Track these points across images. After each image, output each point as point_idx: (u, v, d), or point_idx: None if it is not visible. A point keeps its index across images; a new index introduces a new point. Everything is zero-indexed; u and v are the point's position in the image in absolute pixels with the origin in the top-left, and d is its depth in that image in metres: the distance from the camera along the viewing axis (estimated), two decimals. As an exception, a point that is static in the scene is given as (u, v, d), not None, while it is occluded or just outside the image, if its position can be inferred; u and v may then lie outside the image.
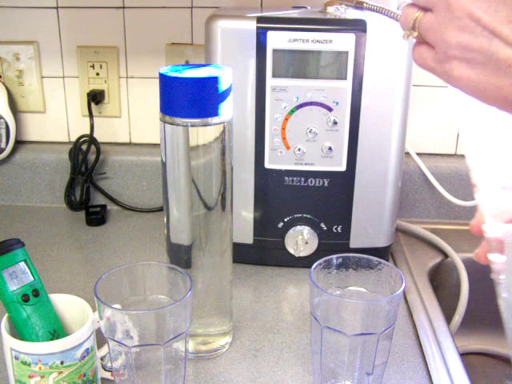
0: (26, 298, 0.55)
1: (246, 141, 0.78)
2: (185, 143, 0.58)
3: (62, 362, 0.52)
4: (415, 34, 0.43)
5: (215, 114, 0.57)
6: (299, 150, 0.77)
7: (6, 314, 0.55)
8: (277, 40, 0.73)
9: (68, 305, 0.58)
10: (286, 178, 0.79)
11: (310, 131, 0.76)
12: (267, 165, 0.79)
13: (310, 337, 0.59)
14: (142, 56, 1.01)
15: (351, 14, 0.78)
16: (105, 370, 0.59)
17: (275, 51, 0.74)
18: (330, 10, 0.80)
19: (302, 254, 0.82)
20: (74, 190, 1.03)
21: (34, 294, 0.55)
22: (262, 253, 0.84)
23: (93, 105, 1.01)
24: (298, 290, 0.80)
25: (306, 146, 0.77)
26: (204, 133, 0.58)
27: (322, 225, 0.81)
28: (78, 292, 0.69)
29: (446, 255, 0.91)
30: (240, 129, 0.77)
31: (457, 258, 0.89)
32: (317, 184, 0.79)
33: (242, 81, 0.75)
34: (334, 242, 0.82)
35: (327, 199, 0.80)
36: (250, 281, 0.82)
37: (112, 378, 0.58)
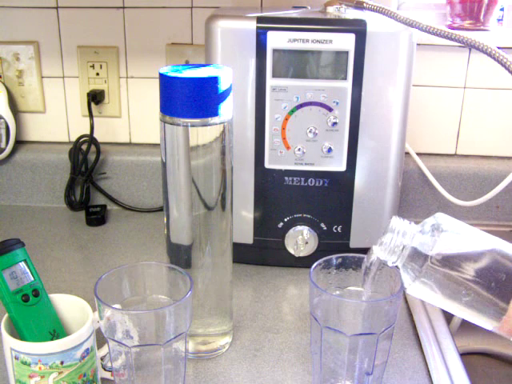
0: (26, 298, 0.55)
1: (246, 141, 0.78)
2: (185, 143, 0.58)
3: (61, 362, 0.52)
4: None
5: (215, 114, 0.57)
6: (299, 150, 0.77)
7: (6, 314, 0.55)
8: (277, 40, 0.73)
9: (68, 305, 0.58)
10: (286, 178, 0.79)
11: (309, 131, 0.76)
12: (267, 165, 0.79)
13: (310, 337, 0.59)
14: (142, 56, 1.01)
15: (351, 13, 0.78)
16: (105, 369, 0.59)
17: (275, 51, 0.74)
18: (330, 10, 0.80)
19: (302, 254, 0.82)
20: (74, 190, 1.03)
21: (33, 294, 0.55)
22: (262, 253, 0.84)
23: (93, 105, 1.01)
24: (298, 290, 0.80)
25: (306, 146, 0.77)
26: (204, 133, 0.58)
27: (322, 225, 0.81)
28: (78, 292, 0.69)
29: (445, 255, 0.91)
30: (240, 129, 0.76)
31: (457, 258, 0.88)
32: (317, 184, 0.79)
33: (242, 81, 0.75)
34: (334, 242, 0.82)
35: (327, 199, 0.80)
36: (250, 281, 0.82)
37: (112, 378, 0.58)
